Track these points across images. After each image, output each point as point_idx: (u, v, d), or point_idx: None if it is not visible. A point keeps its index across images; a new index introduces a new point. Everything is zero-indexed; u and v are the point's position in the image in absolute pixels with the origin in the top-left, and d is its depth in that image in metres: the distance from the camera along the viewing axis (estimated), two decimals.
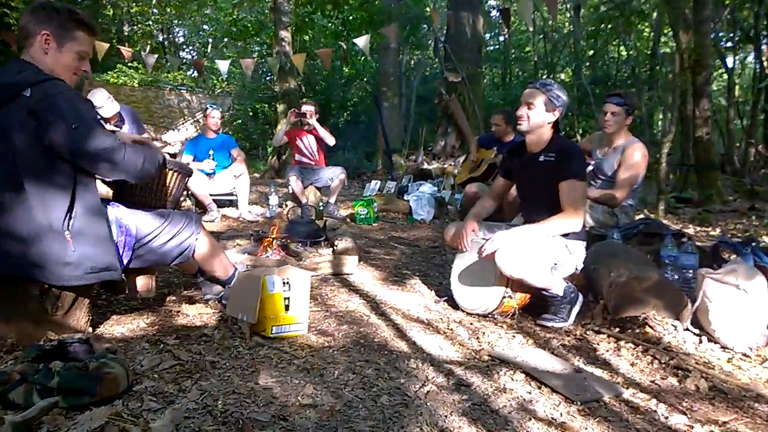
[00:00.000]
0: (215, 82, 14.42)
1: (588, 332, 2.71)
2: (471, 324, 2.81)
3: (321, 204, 5.92)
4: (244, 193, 5.72)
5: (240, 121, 15.70)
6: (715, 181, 8.23)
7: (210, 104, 5.93)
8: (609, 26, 15.07)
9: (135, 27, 14.15)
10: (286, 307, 2.41)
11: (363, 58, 17.51)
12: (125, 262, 2.24)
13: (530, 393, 2.04)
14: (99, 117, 4.77)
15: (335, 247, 3.99)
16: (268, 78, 14.52)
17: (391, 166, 8.08)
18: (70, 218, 1.99)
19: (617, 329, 2.73)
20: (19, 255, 1.93)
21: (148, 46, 13.21)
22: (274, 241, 3.86)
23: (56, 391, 1.47)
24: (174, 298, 2.88)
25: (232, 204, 6.01)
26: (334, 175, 6.00)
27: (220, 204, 6.12)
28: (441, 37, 7.58)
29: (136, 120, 5.14)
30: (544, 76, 19.08)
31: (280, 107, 6.93)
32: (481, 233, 3.14)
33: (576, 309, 2.90)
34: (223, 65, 6.68)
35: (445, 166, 7.26)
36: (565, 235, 2.83)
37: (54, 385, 1.47)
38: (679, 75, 10.64)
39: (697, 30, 8.00)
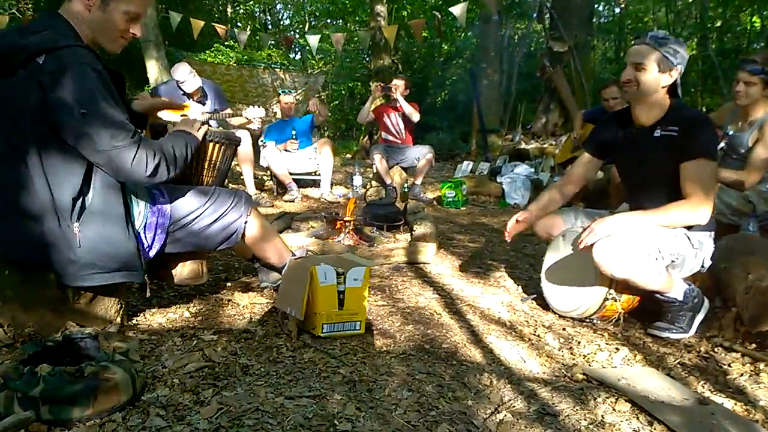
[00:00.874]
0: (312, 61, 14.49)
1: (716, 348, 2.14)
2: (563, 330, 2.34)
3: (406, 185, 5.57)
4: (327, 173, 5.49)
5: (337, 102, 15.70)
6: None
7: (282, 90, 5.75)
8: None
9: (238, 7, 14.44)
10: (341, 303, 2.08)
11: (463, 33, 16.86)
12: (158, 247, 2.00)
13: (638, 431, 1.57)
14: (182, 92, 4.72)
15: (413, 233, 3.63)
16: (364, 56, 14.31)
17: (485, 146, 7.54)
18: (82, 205, 1.75)
19: (754, 346, 2.15)
20: (27, 239, 1.73)
21: (248, 26, 13.42)
22: (347, 224, 3.57)
23: (40, 400, 1.23)
24: (230, 284, 2.65)
25: (316, 184, 5.82)
26: (420, 155, 5.61)
27: (304, 184, 5.96)
28: (547, 1, 6.85)
29: (220, 95, 5.05)
30: None
31: (374, 86, 6.65)
32: (579, 222, 2.64)
33: (699, 317, 2.34)
34: (313, 40, 6.46)
35: (545, 145, 6.61)
36: (689, 227, 2.27)
37: (37, 393, 1.23)
38: None
39: None
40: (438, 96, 16.65)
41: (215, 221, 2.11)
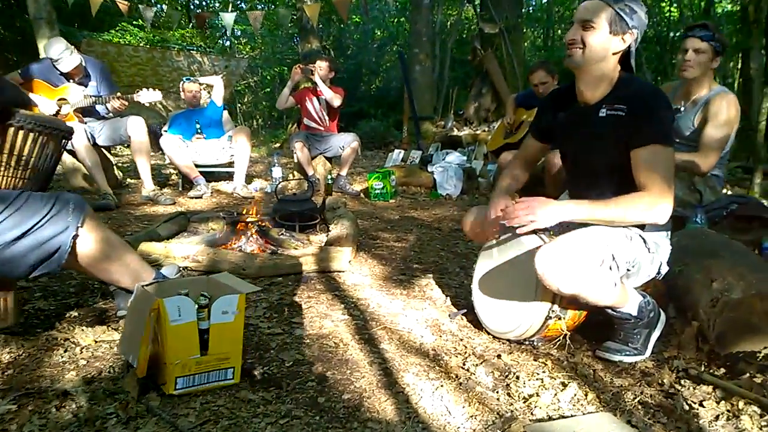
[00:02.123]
0: (239, 45, 13.59)
1: (682, 381, 1.71)
2: (498, 358, 1.86)
3: (330, 177, 5.00)
4: (241, 165, 4.84)
5: (268, 90, 14.84)
6: (757, 149, 6.90)
7: (186, 78, 5.04)
8: None
9: None
10: (204, 345, 1.51)
11: (396, 19, 16.33)
12: None
13: None
14: (59, 72, 3.96)
15: (329, 234, 3.08)
16: (293, 40, 13.53)
17: (418, 134, 7.07)
18: None
19: (723, 371, 1.74)
20: None
21: (165, 5, 12.29)
22: (251, 225, 2.98)
23: None
24: (77, 313, 2.02)
25: (232, 177, 5.15)
26: (345, 143, 5.05)
27: (218, 177, 5.28)
28: None
29: (106, 77, 4.29)
30: None
31: (293, 68, 6.03)
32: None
33: (656, 334, 1.92)
34: (229, 18, 5.74)
35: (478, 132, 6.20)
36: (641, 226, 1.83)
37: None
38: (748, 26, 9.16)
39: None
40: (372, 83, 16.08)
41: (21, 237, 1.49)
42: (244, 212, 3.14)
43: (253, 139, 5.50)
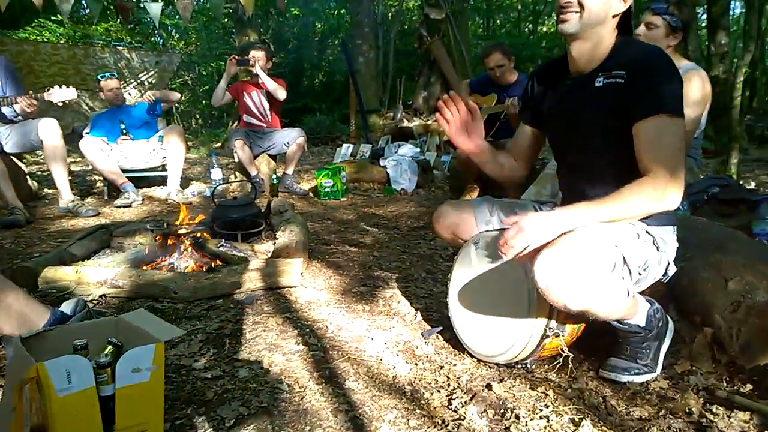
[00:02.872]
0: (172, 42, 12.75)
1: (711, 406, 1.42)
2: (489, 390, 1.52)
3: (275, 176, 4.57)
4: (175, 168, 4.33)
5: (207, 87, 14.09)
6: (734, 126, 6.95)
7: (101, 75, 4.48)
8: None
9: None
10: (109, 417, 1.10)
11: (336, 11, 15.85)
12: None
13: None
14: None
15: (276, 242, 2.67)
16: (231, 34, 12.85)
17: (366, 127, 6.71)
18: None
19: (750, 387, 1.47)
20: None
21: None
22: (184, 237, 2.54)
23: None
24: None
25: (166, 182, 4.63)
26: (290, 139, 4.63)
27: (151, 182, 4.75)
28: None
29: (12, 75, 3.70)
30: (529, 27, 17.56)
31: (228, 60, 5.50)
32: (495, 218, 1.85)
33: (665, 346, 1.64)
34: (155, 8, 5.16)
35: (429, 122, 5.90)
36: (644, 218, 1.53)
37: None
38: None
39: None
40: (315, 77, 15.59)
41: None
42: (175, 222, 2.69)
43: (193, 139, 5.02)
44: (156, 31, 11.53)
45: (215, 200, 3.18)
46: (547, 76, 1.74)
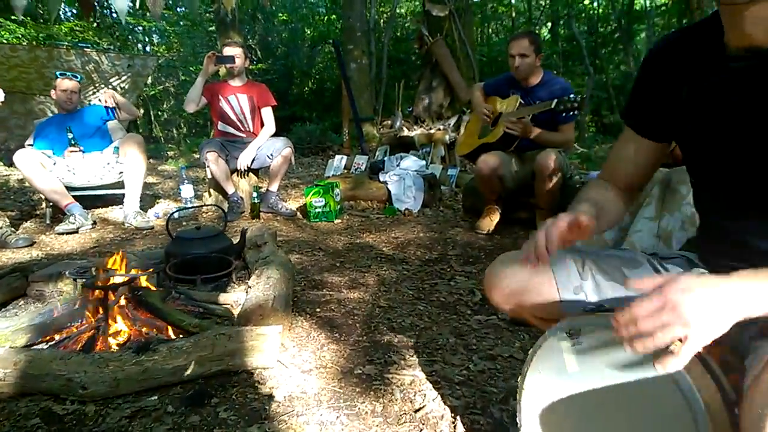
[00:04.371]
0: (154, 47, 11.97)
1: None
2: None
3: (257, 194, 3.83)
4: (133, 186, 3.57)
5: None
6: None
7: (60, 72, 3.73)
8: None
9: None
10: None
11: (327, 17, 15.17)
12: None
13: None
14: None
15: (249, 292, 1.93)
16: (213, 37, 12.11)
17: (361, 136, 6.00)
18: None
19: None
20: None
21: None
22: (114, 291, 1.78)
23: None
24: None
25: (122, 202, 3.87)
26: (275, 150, 3.89)
27: (107, 202, 3.98)
28: None
29: None
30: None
31: (222, 71, 4.79)
32: (590, 284, 1.13)
33: None
34: (121, 3, 4.40)
35: (432, 131, 5.20)
36: None
37: None
38: (692, 15, 8.69)
39: None
40: (305, 85, 14.87)
41: None
42: (108, 264, 1.93)
43: (174, 149, 4.24)
44: (129, 35, 10.75)
45: (170, 232, 2.43)
46: (683, 56, 1.02)
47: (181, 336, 1.66)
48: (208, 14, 11.38)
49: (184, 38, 13.03)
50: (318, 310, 2.07)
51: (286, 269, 2.12)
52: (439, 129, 5.26)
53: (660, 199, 1.85)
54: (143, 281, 1.90)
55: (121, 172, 3.65)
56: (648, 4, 15.69)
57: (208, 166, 3.82)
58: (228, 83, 4.04)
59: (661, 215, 1.83)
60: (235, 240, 2.63)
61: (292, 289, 2.07)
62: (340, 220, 3.78)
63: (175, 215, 3.53)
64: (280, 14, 13.75)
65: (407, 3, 16.19)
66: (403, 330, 1.90)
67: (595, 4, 16.55)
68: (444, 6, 5.32)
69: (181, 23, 13.68)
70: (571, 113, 2.67)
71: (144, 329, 1.73)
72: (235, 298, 2.06)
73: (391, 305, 2.15)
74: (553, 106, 2.69)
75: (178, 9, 13.41)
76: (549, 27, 17.16)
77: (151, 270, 1.99)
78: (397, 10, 13.91)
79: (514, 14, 17.29)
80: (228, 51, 3.92)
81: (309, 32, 15.00)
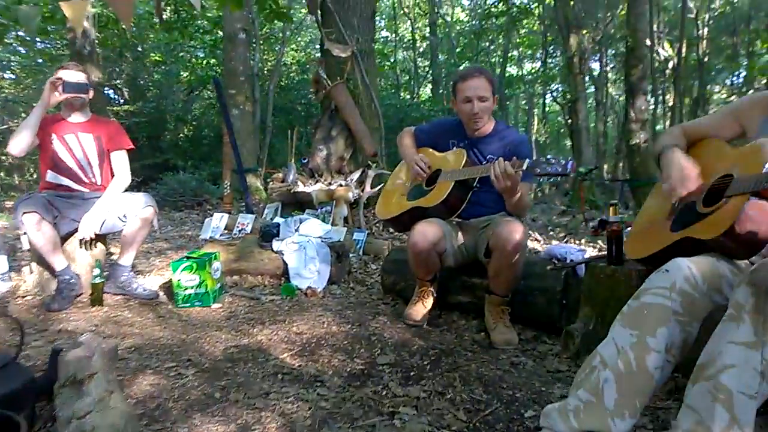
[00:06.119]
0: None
1: None
2: None
3: (99, 272, 2.70)
4: None
5: None
6: None
7: None
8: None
9: None
10: None
11: (207, 61, 14.04)
12: None
13: None
14: None
15: None
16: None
17: (245, 188, 5.03)
18: None
19: None
20: None
21: None
22: None
23: None
24: None
25: None
26: (129, 210, 2.83)
27: None
28: None
29: None
30: (409, 92, 17.15)
31: (48, 82, 3.65)
32: None
33: None
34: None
35: (333, 186, 4.40)
36: None
37: None
38: (573, 80, 8.99)
39: (631, 8, 6.08)
40: (180, 132, 13.49)
41: None
42: None
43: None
44: None
45: None
46: None
47: None
48: (62, 40, 9.78)
49: (35, 72, 11.15)
50: None
51: (124, 413, 1.12)
52: (341, 185, 4.47)
53: (758, 311, 1.17)
54: None
55: None
56: (522, 72, 16.66)
57: (24, 233, 2.64)
58: (65, 119, 2.93)
59: (765, 339, 1.16)
60: (37, 375, 1.56)
61: None
62: (219, 305, 2.78)
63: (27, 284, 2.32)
64: (153, 54, 12.41)
65: (293, 52, 15.62)
66: None
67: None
68: (346, 46, 4.65)
69: (40, 60, 11.74)
70: (550, 179, 1.99)
71: None
72: None
73: None
74: (525, 168, 1.99)
75: (38, 42, 11.52)
76: (431, 87, 17.54)
77: None
78: (283, 59, 13.23)
79: (399, 72, 17.45)
80: (70, 76, 2.83)
81: (186, 75, 13.76)
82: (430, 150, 2.59)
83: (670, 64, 12.82)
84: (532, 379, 1.97)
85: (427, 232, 2.27)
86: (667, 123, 13.00)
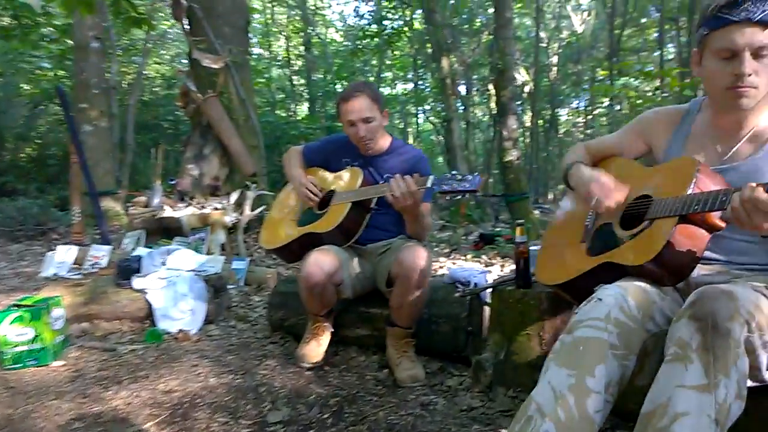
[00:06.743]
0: None
1: None
2: None
3: None
4: None
5: None
6: (528, 212, 6.63)
7: None
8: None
9: None
10: None
11: (54, 73, 12.48)
12: None
13: None
14: None
15: None
16: None
17: (100, 215, 4.34)
18: None
19: None
20: None
21: None
22: None
23: None
24: None
25: None
26: None
27: None
28: None
29: None
30: (285, 109, 16.77)
31: None
32: None
33: None
34: None
35: (207, 210, 3.91)
36: None
37: None
38: (448, 100, 9.28)
39: (498, 35, 6.34)
40: (21, 151, 11.83)
41: None
42: None
43: None
44: None
45: None
46: None
47: None
48: None
49: None
50: None
51: None
52: (216, 208, 3.99)
53: (707, 348, 1.04)
54: None
55: None
56: (396, 92, 17.00)
57: None
58: None
59: (717, 380, 1.02)
60: None
61: None
62: (62, 363, 2.23)
63: None
64: None
65: (157, 65, 14.47)
66: None
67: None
68: (217, 57, 4.21)
69: None
70: (457, 196, 1.79)
71: None
72: None
73: None
74: (430, 185, 1.77)
75: None
76: (308, 105, 17.26)
77: None
78: (145, 71, 12.15)
79: (274, 88, 16.94)
80: None
81: (28, 88, 12.13)
82: (321, 171, 2.30)
83: (527, 88, 13.83)
84: (447, 422, 1.75)
85: (322, 262, 1.98)
86: (527, 141, 13.96)
